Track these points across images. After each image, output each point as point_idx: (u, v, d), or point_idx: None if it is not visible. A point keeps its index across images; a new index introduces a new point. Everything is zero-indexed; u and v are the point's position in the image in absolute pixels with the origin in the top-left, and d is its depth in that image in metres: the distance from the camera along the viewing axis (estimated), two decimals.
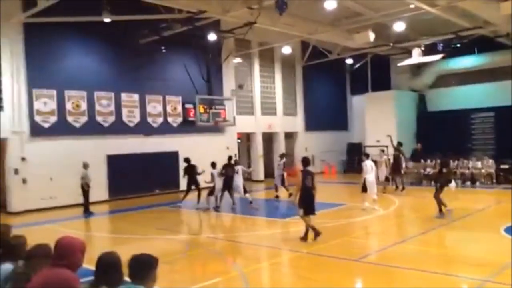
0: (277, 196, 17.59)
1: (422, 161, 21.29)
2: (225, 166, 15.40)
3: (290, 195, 17.56)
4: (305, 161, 10.44)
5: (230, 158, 16.16)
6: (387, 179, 19.29)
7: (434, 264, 8.14)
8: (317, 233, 10.08)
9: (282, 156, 18.93)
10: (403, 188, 17.92)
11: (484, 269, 7.83)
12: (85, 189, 15.59)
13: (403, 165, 19.11)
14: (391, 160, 19.19)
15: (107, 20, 15.97)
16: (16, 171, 16.39)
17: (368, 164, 14.33)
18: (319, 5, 17.05)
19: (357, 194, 15.37)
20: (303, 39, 23.59)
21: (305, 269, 8.80)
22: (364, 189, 14.14)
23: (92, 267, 3.28)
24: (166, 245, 10.95)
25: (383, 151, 18.34)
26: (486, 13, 18.14)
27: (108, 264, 3.27)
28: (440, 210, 12.37)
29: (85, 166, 15.67)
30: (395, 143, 19.20)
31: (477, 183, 19.52)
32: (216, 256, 9.65)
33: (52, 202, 16.79)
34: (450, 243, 10.20)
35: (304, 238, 10.15)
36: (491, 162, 19.80)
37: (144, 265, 3.34)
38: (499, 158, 20.47)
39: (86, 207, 15.69)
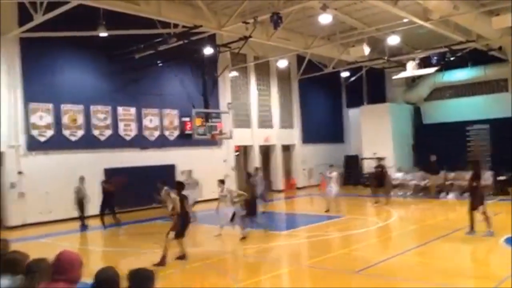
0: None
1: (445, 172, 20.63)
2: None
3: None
4: (179, 186, 10.57)
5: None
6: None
7: (434, 276, 8.11)
8: (182, 257, 10.04)
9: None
10: (377, 202, 18.14)
11: (484, 281, 7.81)
12: (81, 203, 15.46)
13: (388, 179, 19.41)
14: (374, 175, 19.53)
15: (103, 34, 16.02)
16: (13, 185, 16.29)
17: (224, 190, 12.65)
18: (314, 20, 17.21)
19: (355, 206, 15.35)
20: (298, 53, 23.74)
21: (305, 282, 8.76)
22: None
23: (90, 281, 3.25)
24: None
25: (331, 166, 17.71)
26: (478, 27, 18.38)
27: (106, 280, 3.24)
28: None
29: (81, 180, 15.60)
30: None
31: None
32: (214, 270, 9.57)
33: (49, 216, 16.67)
34: (450, 255, 10.16)
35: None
36: (489, 174, 19.67)
37: (144, 279, 3.32)
38: (495, 169, 20.47)
39: (82, 221, 15.57)
